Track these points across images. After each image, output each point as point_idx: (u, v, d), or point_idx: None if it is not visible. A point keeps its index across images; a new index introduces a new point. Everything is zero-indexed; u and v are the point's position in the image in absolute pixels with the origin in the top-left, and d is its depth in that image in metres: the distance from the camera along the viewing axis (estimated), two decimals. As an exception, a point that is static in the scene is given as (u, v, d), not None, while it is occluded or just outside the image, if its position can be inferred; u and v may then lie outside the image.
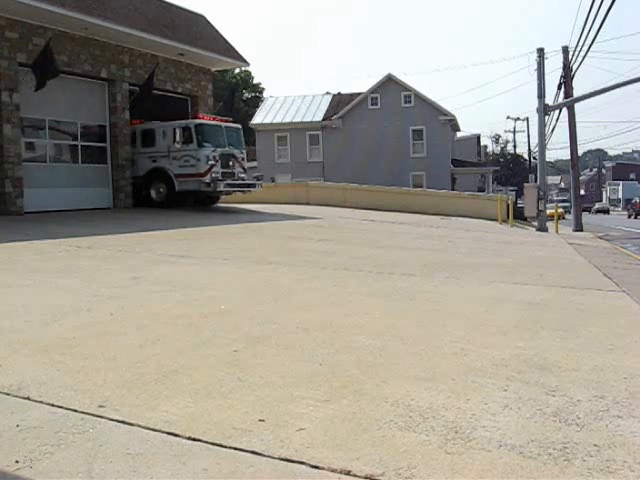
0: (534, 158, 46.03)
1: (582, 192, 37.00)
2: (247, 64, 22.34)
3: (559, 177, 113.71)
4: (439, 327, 4.55)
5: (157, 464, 2.28)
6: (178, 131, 16.86)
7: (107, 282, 6.18)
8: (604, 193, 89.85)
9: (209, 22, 21.66)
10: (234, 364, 3.50)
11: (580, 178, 29.24)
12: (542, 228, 20.07)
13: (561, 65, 24.60)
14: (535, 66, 21.41)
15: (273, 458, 2.34)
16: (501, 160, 64.86)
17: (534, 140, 49.09)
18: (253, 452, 2.39)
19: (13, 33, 14.74)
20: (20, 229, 11.65)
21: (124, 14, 17.11)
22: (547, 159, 33.53)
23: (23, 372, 3.30)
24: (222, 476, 2.21)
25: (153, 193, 17.61)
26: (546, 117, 21.95)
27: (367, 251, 10.02)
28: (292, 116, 42.84)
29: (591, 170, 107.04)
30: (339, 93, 45.22)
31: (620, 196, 76.98)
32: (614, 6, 16.95)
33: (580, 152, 35.17)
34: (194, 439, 2.50)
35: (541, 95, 20.91)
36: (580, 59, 30.81)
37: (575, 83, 34.04)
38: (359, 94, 42.11)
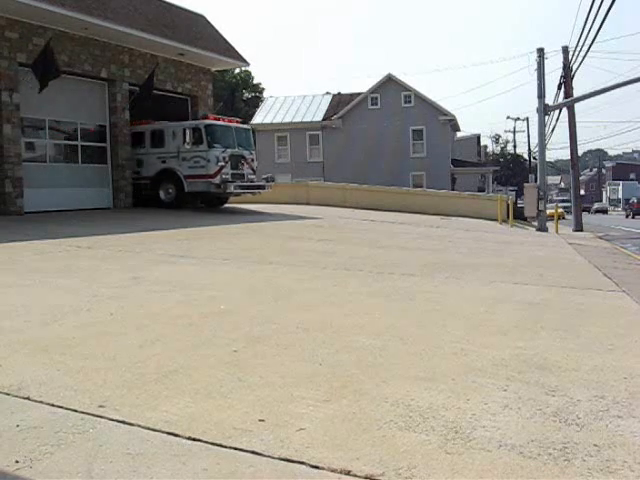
0: (534, 158, 46.06)
1: (582, 192, 37.04)
2: (247, 64, 22.34)
3: (559, 177, 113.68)
4: (439, 327, 4.55)
5: (157, 464, 2.28)
6: (188, 132, 16.69)
7: (107, 282, 6.18)
8: (604, 193, 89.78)
9: (209, 22, 21.66)
10: (234, 364, 3.50)
11: (580, 178, 29.23)
12: (542, 228, 20.06)
13: (561, 65, 24.60)
14: (535, 66, 21.41)
15: (273, 458, 2.34)
16: (501, 160, 64.84)
17: (534, 140, 49.16)
18: (253, 452, 2.39)
19: (13, 33, 14.74)
20: (20, 229, 11.64)
21: (124, 14, 17.11)
22: (547, 159, 33.56)
23: (23, 372, 3.30)
24: (222, 476, 2.21)
25: (162, 194, 17.46)
26: (546, 117, 21.95)
27: (367, 251, 10.02)
28: (292, 116, 42.85)
29: (591, 170, 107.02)
30: (339, 93, 45.23)
31: (620, 196, 76.89)
32: (614, 6, 16.95)
33: (580, 152, 35.22)
34: (194, 439, 2.50)
35: (541, 95, 20.91)
36: (580, 59, 30.83)
37: (575, 83, 34.05)
38: (359, 94, 42.12)
